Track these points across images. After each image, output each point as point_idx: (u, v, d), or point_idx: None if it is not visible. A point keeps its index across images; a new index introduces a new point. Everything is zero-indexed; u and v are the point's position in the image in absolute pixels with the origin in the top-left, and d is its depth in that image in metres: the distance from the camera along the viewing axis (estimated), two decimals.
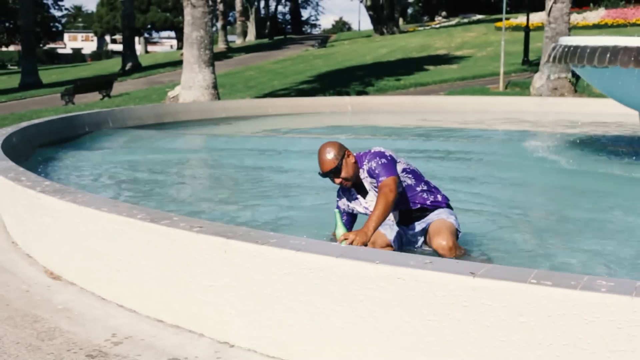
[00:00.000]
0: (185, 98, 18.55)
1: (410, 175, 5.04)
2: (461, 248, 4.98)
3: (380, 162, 4.78)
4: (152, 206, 6.74)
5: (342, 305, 3.27)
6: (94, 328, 3.96)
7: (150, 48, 72.21)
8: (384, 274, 3.14)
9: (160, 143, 12.38)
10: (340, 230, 4.62)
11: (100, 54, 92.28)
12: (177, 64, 18.03)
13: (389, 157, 4.83)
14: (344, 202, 5.11)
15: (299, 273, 3.35)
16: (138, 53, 51.97)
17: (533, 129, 14.37)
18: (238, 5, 59.48)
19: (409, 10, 79.00)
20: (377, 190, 4.77)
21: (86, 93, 26.93)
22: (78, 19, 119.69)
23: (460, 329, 3.03)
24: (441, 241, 4.83)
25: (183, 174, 9.51)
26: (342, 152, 4.79)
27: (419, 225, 5.09)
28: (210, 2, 18.81)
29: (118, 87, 29.96)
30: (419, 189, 5.06)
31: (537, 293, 2.91)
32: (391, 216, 5.04)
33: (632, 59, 8.45)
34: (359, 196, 5.01)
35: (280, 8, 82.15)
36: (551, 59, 9.83)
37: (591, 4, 48.68)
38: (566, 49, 9.33)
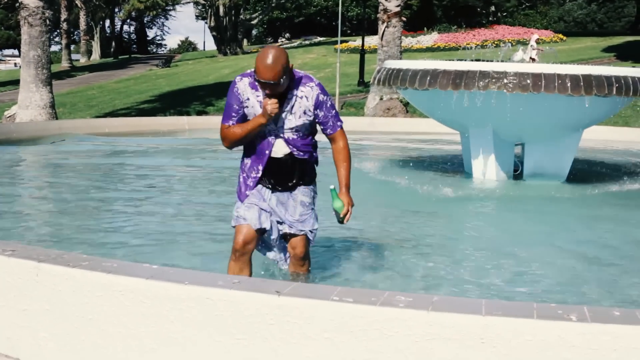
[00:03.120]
0: (22, 118, 18.17)
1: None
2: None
3: (334, 105, 4.38)
4: None
5: (154, 326, 3.30)
6: None
7: None
8: (193, 294, 3.19)
9: None
10: (339, 203, 4.45)
11: None
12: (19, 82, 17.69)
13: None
14: (245, 97, 4.27)
15: (111, 295, 3.35)
16: None
17: (362, 150, 14.70)
18: (82, 24, 58.05)
19: (254, 32, 79.48)
20: (304, 118, 4.29)
21: None
22: None
23: (268, 347, 3.12)
24: (299, 256, 4.59)
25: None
26: (288, 64, 4.11)
27: (286, 196, 4.56)
28: (48, 22, 18.47)
29: None
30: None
31: (339, 310, 3.04)
32: (265, 191, 4.48)
33: (451, 81, 8.80)
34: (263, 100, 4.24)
35: (125, 27, 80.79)
36: (376, 82, 10.14)
37: (425, 28, 50.59)
38: (390, 72, 9.61)
